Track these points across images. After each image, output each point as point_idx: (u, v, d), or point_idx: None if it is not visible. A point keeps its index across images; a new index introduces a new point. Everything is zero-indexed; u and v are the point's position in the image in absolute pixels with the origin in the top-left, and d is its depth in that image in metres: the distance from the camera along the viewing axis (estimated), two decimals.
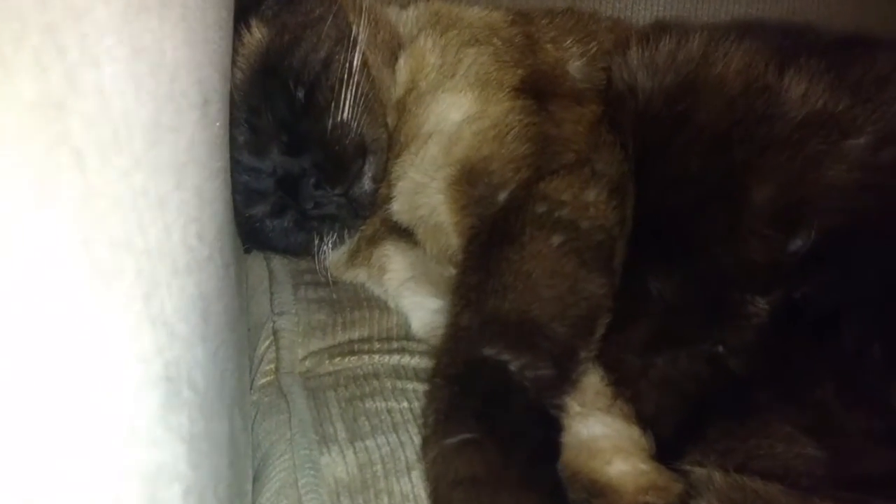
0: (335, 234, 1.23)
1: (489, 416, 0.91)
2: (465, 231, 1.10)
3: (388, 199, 1.20)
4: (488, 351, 0.95)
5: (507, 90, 1.17)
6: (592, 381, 1.05)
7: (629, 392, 1.04)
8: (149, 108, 0.57)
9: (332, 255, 1.27)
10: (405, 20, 1.35)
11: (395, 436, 1.03)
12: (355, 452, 1.00)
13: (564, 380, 0.97)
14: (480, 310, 0.99)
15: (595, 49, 1.28)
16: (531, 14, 1.37)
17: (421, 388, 1.12)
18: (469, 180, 1.11)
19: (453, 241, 1.13)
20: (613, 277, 1.03)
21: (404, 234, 1.22)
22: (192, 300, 0.61)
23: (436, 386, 0.97)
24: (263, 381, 1.19)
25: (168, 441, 0.52)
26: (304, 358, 1.20)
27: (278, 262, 1.35)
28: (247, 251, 1.37)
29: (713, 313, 1.01)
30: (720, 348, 1.00)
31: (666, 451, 0.99)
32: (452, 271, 1.15)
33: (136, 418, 0.51)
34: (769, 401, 0.94)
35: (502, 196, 1.10)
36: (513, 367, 0.94)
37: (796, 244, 0.99)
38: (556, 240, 1.02)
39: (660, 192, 1.09)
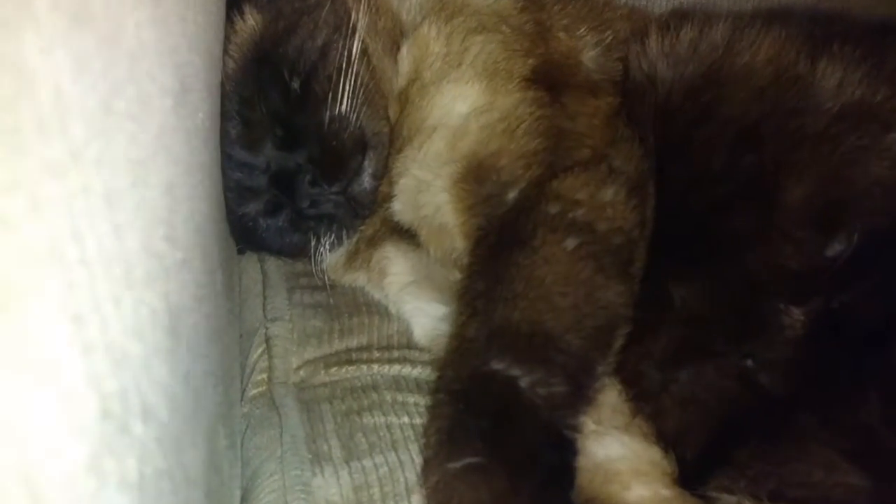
0: (333, 235, 1.15)
1: (497, 438, 0.82)
2: (472, 232, 1.02)
3: (388, 197, 1.12)
4: (497, 365, 0.87)
5: (517, 81, 1.09)
6: (609, 396, 0.97)
7: (649, 409, 0.96)
8: (96, 92, 0.48)
9: (330, 257, 1.20)
10: (408, 6, 1.27)
11: (394, 455, 0.95)
12: (350, 473, 0.93)
13: (580, 397, 0.88)
14: (488, 319, 0.90)
15: (610, 38, 1.20)
16: (542, 1, 1.28)
17: (423, 401, 1.05)
18: (476, 178, 1.03)
19: (458, 243, 1.05)
20: (633, 284, 0.95)
21: (406, 236, 1.13)
22: (155, 314, 0.53)
23: (439, 402, 0.89)
24: (255, 391, 1.12)
25: (99, 495, 0.43)
26: (299, 367, 1.13)
27: (273, 265, 1.27)
28: (240, 252, 1.29)
29: (742, 324, 0.93)
30: (749, 362, 0.92)
31: (690, 476, 0.91)
32: (457, 275, 1.07)
33: (42, 484, 0.41)
34: (806, 422, 0.86)
35: (512, 195, 1.02)
36: (523, 383, 0.86)
37: (835, 248, 0.91)
38: (571, 243, 0.94)
39: (682, 191, 1.00)
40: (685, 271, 0.97)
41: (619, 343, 0.93)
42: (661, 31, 1.12)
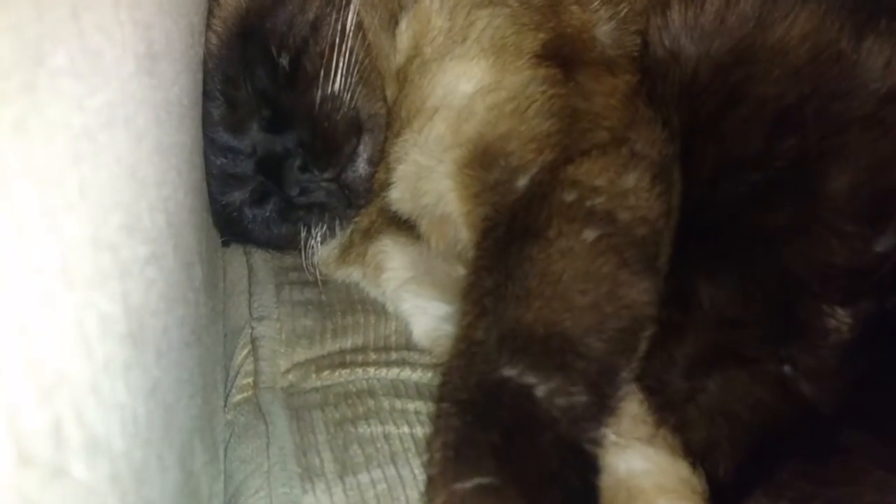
0: (325, 226, 1.06)
1: (511, 455, 0.73)
2: (478, 223, 0.92)
3: (386, 185, 1.02)
4: (509, 372, 0.78)
5: (527, 57, 1.00)
6: (630, 405, 0.87)
7: (674, 419, 0.87)
8: (22, 41, 0.38)
9: (322, 249, 1.11)
10: None
11: (393, 469, 0.87)
12: (345, 490, 0.84)
13: (602, 408, 0.79)
14: (499, 320, 0.81)
15: (626, 10, 1.10)
16: None
17: (425, 408, 0.96)
18: (482, 163, 0.94)
19: (463, 234, 0.95)
20: (658, 281, 0.85)
21: (405, 227, 1.04)
22: (105, 320, 0.43)
23: (444, 413, 0.79)
24: (240, 396, 1.03)
25: None
26: (287, 370, 1.04)
27: (259, 258, 1.18)
28: (225, 244, 1.20)
29: (779, 326, 0.84)
30: (788, 369, 0.83)
31: (723, 495, 0.82)
32: (462, 271, 0.98)
33: None
34: (855, 437, 0.77)
35: (522, 181, 0.92)
36: (539, 392, 0.76)
37: (885, 243, 0.82)
38: (590, 234, 0.85)
39: (711, 178, 0.91)
40: (714, 267, 0.88)
41: (643, 346, 0.84)
42: (684, 1, 1.02)
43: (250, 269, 1.16)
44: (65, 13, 0.42)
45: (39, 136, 0.38)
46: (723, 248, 0.88)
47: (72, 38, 0.43)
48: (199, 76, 0.98)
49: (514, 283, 0.83)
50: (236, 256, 1.21)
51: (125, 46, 0.52)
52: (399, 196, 1.02)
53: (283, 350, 1.04)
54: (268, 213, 1.08)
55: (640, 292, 0.84)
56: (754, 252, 0.87)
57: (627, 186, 0.89)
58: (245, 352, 1.06)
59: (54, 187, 0.39)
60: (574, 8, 1.10)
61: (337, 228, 1.08)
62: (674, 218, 0.90)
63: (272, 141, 1.02)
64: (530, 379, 0.77)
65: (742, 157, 0.90)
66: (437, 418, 0.82)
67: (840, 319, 0.82)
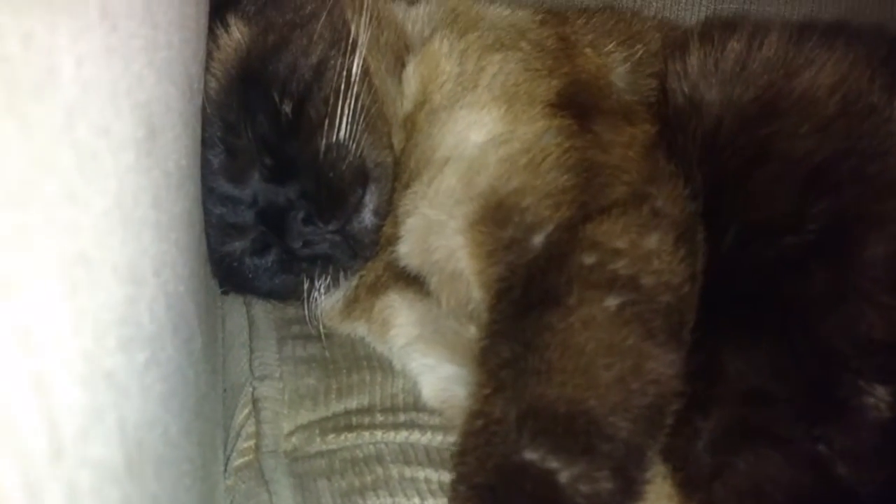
0: (328, 277, 1.01)
1: None
2: (492, 283, 0.88)
3: (394, 239, 0.98)
4: (530, 454, 0.73)
5: (541, 106, 0.95)
6: (654, 480, 0.82)
7: (699, 498, 0.82)
8: (13, 162, 0.33)
9: (325, 302, 1.06)
10: (414, 18, 1.13)
11: None
12: None
13: (629, 494, 0.75)
14: (518, 396, 0.77)
15: (641, 52, 1.07)
16: (564, 13, 1.15)
17: (435, 476, 0.91)
18: (496, 219, 0.89)
19: (475, 293, 0.91)
20: (684, 352, 0.81)
21: (413, 283, 1.00)
22: (100, 469, 0.38)
23: (460, 497, 0.75)
24: (241, 461, 0.98)
25: None
26: (291, 433, 0.98)
27: (260, 309, 1.13)
28: (224, 293, 1.14)
29: (814, 403, 0.80)
30: (823, 448, 0.78)
31: None
32: (473, 331, 0.93)
33: None
34: None
35: (537, 239, 0.88)
36: (563, 478, 0.72)
37: None
38: (613, 302, 0.80)
39: (738, 241, 0.87)
40: (742, 338, 0.83)
41: (669, 423, 0.79)
42: (703, 45, 0.98)
43: (251, 322, 1.11)
44: (58, 123, 0.38)
45: (28, 275, 0.33)
46: (751, 317, 0.84)
47: (65, 155, 0.38)
48: (198, 128, 0.93)
49: (533, 355, 0.79)
50: (236, 306, 1.16)
51: (124, 138, 0.48)
52: (408, 251, 0.97)
53: (286, 412, 0.99)
54: (269, 264, 1.04)
55: (666, 365, 0.79)
56: (786, 322, 0.82)
57: (650, 248, 0.85)
58: (246, 411, 1.01)
59: (44, 325, 0.34)
60: (588, 51, 1.06)
61: (341, 280, 1.04)
62: (698, 283, 0.85)
63: (274, 191, 0.98)
64: (553, 464, 0.73)
65: (771, 218, 0.86)
66: (452, 502, 0.77)
67: (879, 397, 0.77)
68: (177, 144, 0.71)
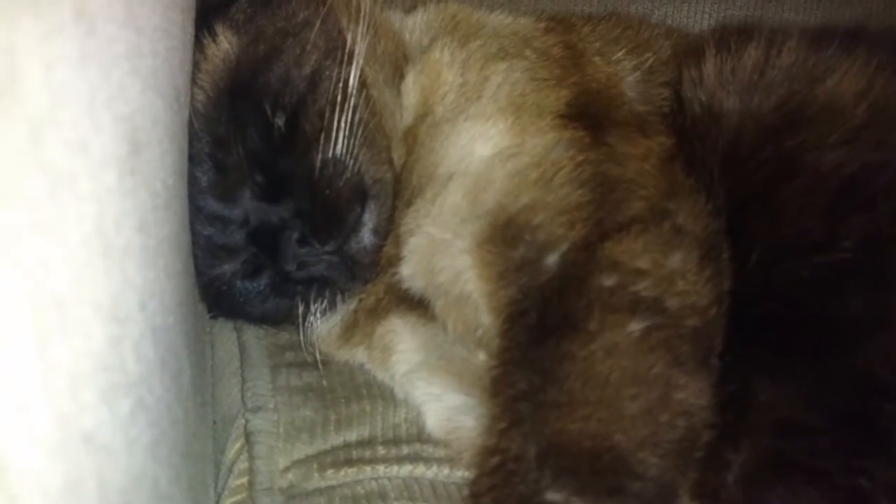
0: (325, 301, 0.94)
1: None
2: (503, 307, 0.82)
3: (395, 259, 0.92)
4: (553, 496, 0.68)
5: (550, 117, 0.90)
6: None
7: None
8: None
9: (322, 326, 0.99)
10: (412, 27, 1.07)
11: None
12: None
13: None
14: (538, 431, 0.71)
15: (651, 61, 1.02)
16: (569, 20, 1.10)
17: None
18: (505, 238, 0.84)
19: (485, 318, 0.85)
20: (713, 380, 0.75)
21: (417, 306, 0.94)
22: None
23: None
24: (233, 499, 0.92)
25: None
26: (287, 469, 0.92)
27: (252, 335, 1.07)
28: (213, 317, 1.07)
29: (854, 434, 0.74)
30: (865, 483, 0.72)
31: None
32: (482, 358, 0.87)
33: None
34: None
35: (551, 259, 0.82)
36: None
37: None
38: (637, 326, 0.74)
39: (767, 260, 0.81)
40: (773, 364, 0.78)
41: (699, 456, 0.73)
42: (719, 51, 0.93)
43: (242, 349, 1.05)
44: (21, 139, 0.32)
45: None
46: (783, 341, 0.78)
47: (32, 178, 0.32)
48: (185, 143, 0.87)
49: (552, 386, 0.73)
50: (226, 332, 1.09)
51: (105, 156, 0.41)
52: (411, 272, 0.91)
53: (281, 446, 0.93)
54: (261, 287, 0.98)
55: (696, 395, 0.73)
56: (821, 348, 0.77)
57: (673, 268, 0.79)
58: (238, 445, 0.95)
59: (6, 394, 0.28)
60: (597, 59, 1.01)
61: (338, 303, 0.98)
62: (725, 305, 0.79)
63: (267, 210, 0.92)
64: None
65: (800, 236, 0.81)
66: None
67: None
68: (164, 161, 0.65)
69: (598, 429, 0.70)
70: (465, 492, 0.80)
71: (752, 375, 0.78)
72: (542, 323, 0.78)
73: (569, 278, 0.80)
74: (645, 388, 0.72)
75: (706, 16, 1.41)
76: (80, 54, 0.39)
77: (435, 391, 0.94)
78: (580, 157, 0.87)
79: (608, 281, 0.78)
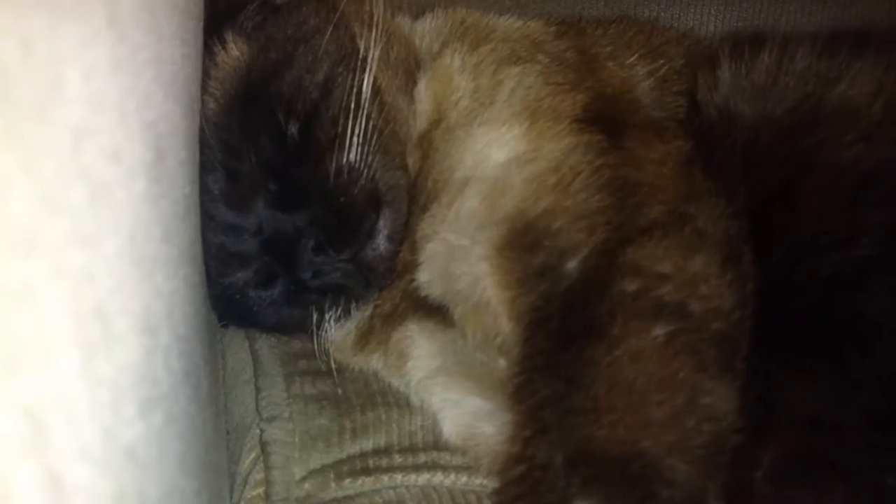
0: (339, 309, 0.93)
1: None
2: (524, 314, 0.81)
3: (412, 266, 0.91)
4: None
5: (567, 121, 0.89)
6: None
7: None
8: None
9: (336, 333, 0.98)
10: (421, 33, 1.07)
11: None
12: None
13: None
14: (564, 438, 0.70)
15: (665, 69, 1.01)
16: (579, 24, 1.09)
17: None
18: (524, 244, 0.83)
19: (505, 325, 0.84)
20: (739, 383, 0.74)
21: (434, 312, 0.92)
22: None
23: None
24: None
25: None
26: (303, 479, 0.91)
27: (264, 344, 1.05)
28: (224, 326, 1.06)
29: (883, 431, 0.73)
30: (893, 481, 0.71)
31: None
32: (502, 364, 0.86)
33: None
34: None
35: (572, 265, 0.81)
36: None
37: None
38: (661, 331, 0.74)
39: (789, 259, 0.80)
40: (798, 363, 0.77)
41: (726, 460, 0.72)
42: (733, 57, 0.92)
43: (254, 358, 1.03)
44: (65, 149, 0.31)
45: (37, 342, 0.26)
46: (809, 340, 0.77)
47: (75, 188, 0.31)
48: (198, 151, 0.86)
49: (578, 393, 0.72)
50: (237, 340, 1.08)
51: (134, 164, 0.41)
52: (428, 279, 0.90)
53: (297, 455, 0.92)
54: (275, 296, 0.97)
55: (722, 399, 0.72)
56: (845, 345, 0.76)
57: (696, 271, 0.78)
58: (253, 455, 0.94)
59: (57, 407, 0.27)
60: (610, 64, 1.00)
61: (353, 310, 0.97)
62: (749, 308, 0.78)
63: (281, 219, 0.91)
64: None
65: (821, 233, 0.80)
66: None
67: None
68: (183, 169, 0.64)
69: (626, 435, 0.69)
70: (489, 501, 0.79)
71: (779, 376, 0.77)
72: (564, 329, 0.77)
73: (590, 284, 0.79)
74: (671, 393, 0.71)
75: (712, 17, 1.41)
76: (113, 61, 0.38)
77: (453, 396, 0.93)
78: (598, 162, 0.86)
79: (631, 286, 0.77)
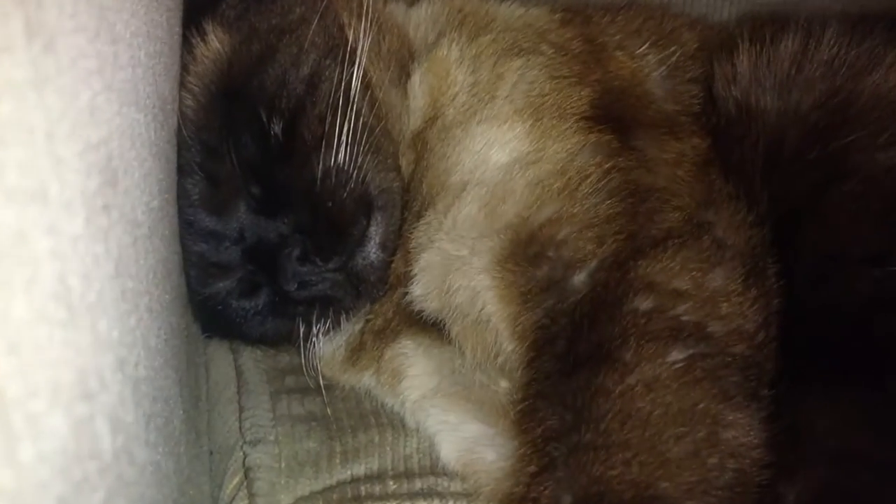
0: (328, 320, 0.86)
1: None
2: (528, 332, 0.75)
3: (405, 278, 0.84)
4: None
5: (573, 119, 0.83)
6: None
7: None
8: None
9: (325, 348, 0.91)
10: (416, 21, 0.99)
11: None
12: None
13: None
14: (573, 478, 0.63)
15: (677, 55, 0.94)
16: (585, 11, 1.01)
17: None
18: (527, 255, 0.76)
19: (507, 344, 0.78)
20: (764, 413, 0.67)
21: (429, 327, 0.85)
22: None
23: None
24: None
25: None
26: None
27: (249, 358, 0.99)
28: (208, 337, 1.00)
29: None
30: None
31: None
32: (504, 386, 0.80)
33: None
34: None
35: (579, 279, 0.75)
36: None
37: None
38: (678, 356, 0.67)
39: (818, 274, 0.74)
40: (828, 388, 0.71)
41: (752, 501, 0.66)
42: (753, 44, 0.85)
43: (239, 373, 0.97)
44: None
45: None
46: (840, 365, 0.71)
47: None
48: (174, 155, 0.79)
49: (587, 426, 0.65)
50: (221, 353, 1.02)
51: (67, 198, 0.33)
52: (423, 292, 0.83)
53: (283, 481, 0.86)
54: (259, 306, 0.91)
55: (747, 433, 0.66)
56: (882, 370, 0.69)
57: (715, 287, 0.72)
58: (236, 480, 0.88)
59: None
60: (619, 54, 0.93)
61: (342, 322, 0.90)
62: (774, 328, 0.72)
63: (264, 225, 0.85)
64: None
65: (855, 245, 0.73)
66: None
67: None
68: (147, 183, 0.57)
69: (641, 475, 0.62)
70: None
71: (807, 404, 0.71)
72: (572, 352, 0.70)
73: (600, 301, 0.72)
74: (690, 427, 0.64)
75: (727, 4, 1.33)
76: (35, 78, 0.31)
77: (451, 420, 0.86)
78: (608, 164, 0.80)
79: (644, 304, 0.71)
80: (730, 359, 0.68)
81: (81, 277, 0.35)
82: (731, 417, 0.66)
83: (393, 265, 0.87)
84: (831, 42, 0.85)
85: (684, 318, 0.69)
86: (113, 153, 0.45)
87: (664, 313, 0.70)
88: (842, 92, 0.81)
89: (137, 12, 0.55)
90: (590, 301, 0.73)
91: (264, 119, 0.84)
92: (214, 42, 0.88)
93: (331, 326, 0.90)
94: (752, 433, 0.66)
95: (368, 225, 0.86)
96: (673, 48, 0.95)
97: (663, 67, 0.93)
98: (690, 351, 0.68)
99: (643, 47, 0.95)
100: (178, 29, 0.83)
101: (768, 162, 0.80)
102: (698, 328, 0.69)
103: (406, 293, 0.85)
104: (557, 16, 0.99)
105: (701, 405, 0.65)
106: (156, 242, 0.61)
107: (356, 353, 0.93)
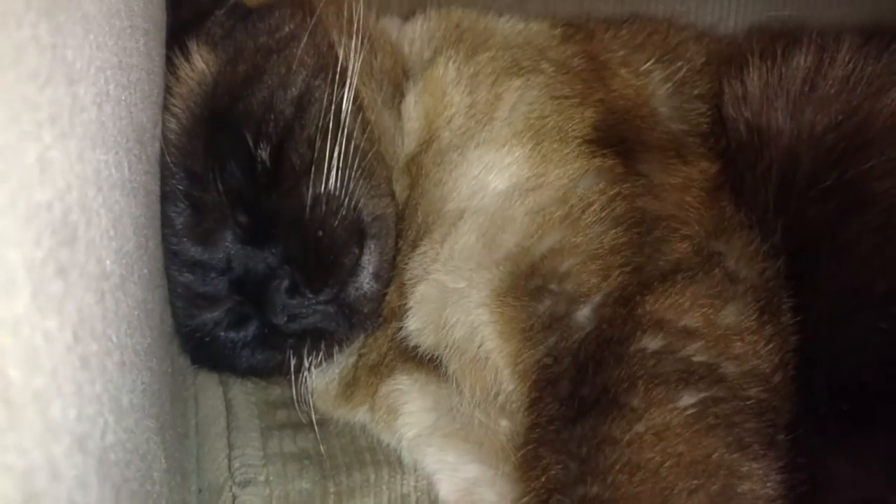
0: (320, 353, 0.82)
1: None
2: (529, 371, 0.71)
3: (400, 311, 0.80)
4: None
5: (576, 143, 0.79)
6: None
7: None
8: None
9: (317, 381, 0.87)
10: (411, 37, 0.95)
11: None
12: None
13: None
14: None
15: (684, 70, 0.90)
16: (587, 25, 0.97)
17: None
18: (528, 288, 0.73)
19: (507, 383, 0.74)
20: (782, 463, 0.63)
21: (425, 363, 0.81)
22: None
23: None
24: None
25: None
26: None
27: (239, 390, 0.96)
28: (197, 367, 0.95)
29: None
30: None
31: None
32: (504, 426, 0.76)
33: None
34: None
35: (583, 314, 0.71)
36: None
37: None
38: (690, 400, 0.63)
39: (838, 311, 0.69)
40: (850, 435, 0.66)
41: None
42: (763, 61, 0.81)
43: (228, 407, 0.93)
44: None
45: None
46: (861, 409, 0.66)
47: None
48: (155, 185, 0.75)
49: (593, 478, 0.61)
50: (210, 385, 0.97)
51: (9, 276, 0.29)
52: (418, 327, 0.79)
53: None
54: (248, 338, 0.87)
55: (763, 484, 0.62)
56: None
57: (728, 324, 0.68)
58: None
59: None
60: (623, 71, 0.89)
61: (335, 354, 0.86)
62: (791, 369, 0.67)
63: (251, 255, 0.81)
64: None
65: (878, 280, 0.69)
66: None
67: None
68: (119, 227, 0.53)
69: None
70: None
71: (826, 451, 0.67)
72: (576, 395, 0.66)
73: (605, 340, 0.68)
74: (704, 479, 0.60)
75: (733, 12, 1.29)
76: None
77: (449, 459, 0.83)
78: (612, 191, 0.76)
79: (652, 344, 0.66)
80: (745, 403, 0.64)
81: (23, 365, 0.31)
82: (746, 468, 0.61)
83: (387, 297, 0.83)
84: (846, 58, 0.81)
85: (695, 358, 0.65)
86: (71, 207, 0.41)
87: (674, 354, 0.65)
88: (859, 112, 0.77)
89: (104, 44, 0.51)
90: (595, 340, 0.69)
91: (251, 144, 0.80)
92: (199, 62, 0.85)
93: (323, 359, 0.86)
94: (769, 485, 0.62)
95: (361, 254, 0.82)
96: (679, 63, 0.91)
97: (669, 84, 0.90)
98: (703, 395, 0.63)
99: (648, 63, 0.91)
100: (159, 52, 0.79)
101: (782, 189, 0.76)
102: (711, 370, 0.65)
103: (401, 327, 0.81)
104: (558, 31, 0.95)
105: (715, 455, 0.61)
106: (130, 288, 0.57)
107: (350, 387, 0.89)
